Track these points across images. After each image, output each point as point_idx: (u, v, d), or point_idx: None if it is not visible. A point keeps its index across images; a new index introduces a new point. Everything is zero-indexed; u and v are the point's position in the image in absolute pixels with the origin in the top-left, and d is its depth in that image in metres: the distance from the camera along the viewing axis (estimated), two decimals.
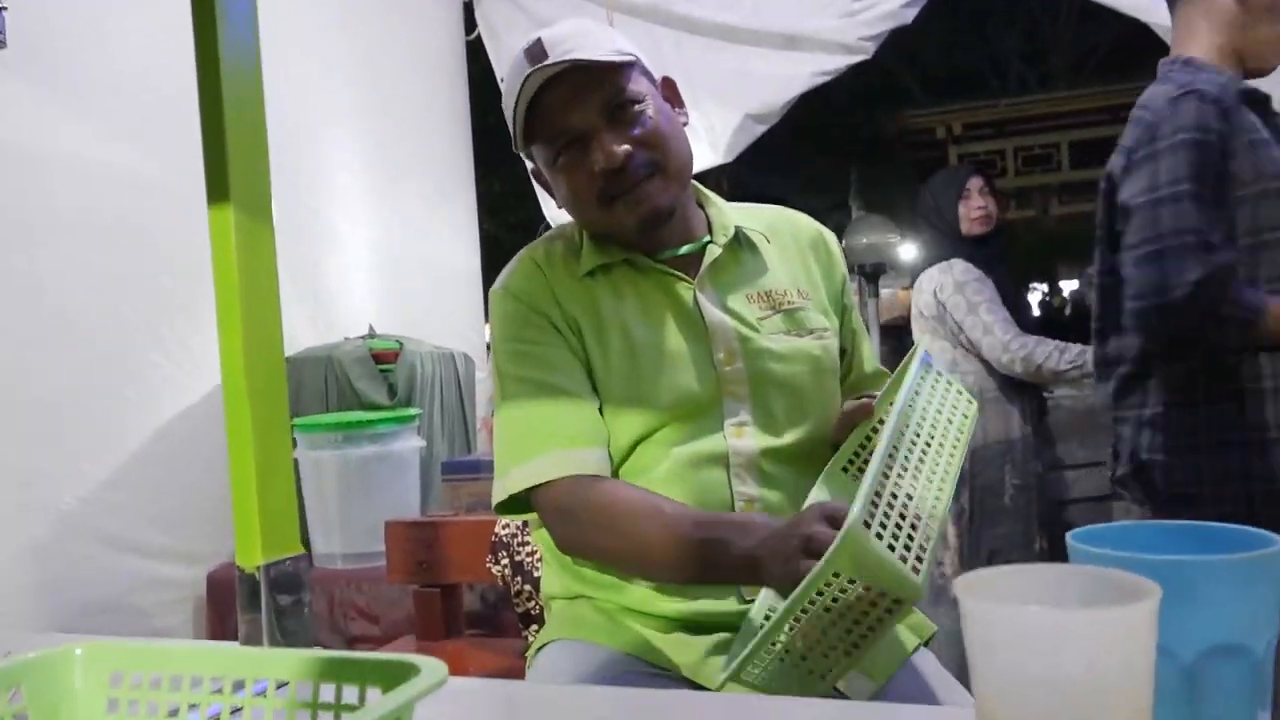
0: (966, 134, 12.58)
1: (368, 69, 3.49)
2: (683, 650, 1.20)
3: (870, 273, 5.13)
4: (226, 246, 0.78)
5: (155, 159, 2.59)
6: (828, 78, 3.22)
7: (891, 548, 0.90)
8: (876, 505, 0.92)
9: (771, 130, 3.42)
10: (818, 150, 12.63)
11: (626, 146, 1.23)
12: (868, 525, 0.88)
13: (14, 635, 1.02)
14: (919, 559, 0.92)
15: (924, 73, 13.92)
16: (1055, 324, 15.11)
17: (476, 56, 3.86)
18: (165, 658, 0.61)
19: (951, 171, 3.20)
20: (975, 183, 3.13)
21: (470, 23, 3.80)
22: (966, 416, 1.15)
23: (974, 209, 3.10)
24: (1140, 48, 2.80)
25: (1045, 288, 17.56)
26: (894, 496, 0.95)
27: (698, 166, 3.69)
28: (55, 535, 2.43)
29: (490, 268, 4.15)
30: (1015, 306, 3.08)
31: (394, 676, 0.52)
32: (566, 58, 1.21)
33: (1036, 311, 16.21)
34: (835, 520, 0.99)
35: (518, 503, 1.26)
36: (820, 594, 0.90)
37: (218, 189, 0.80)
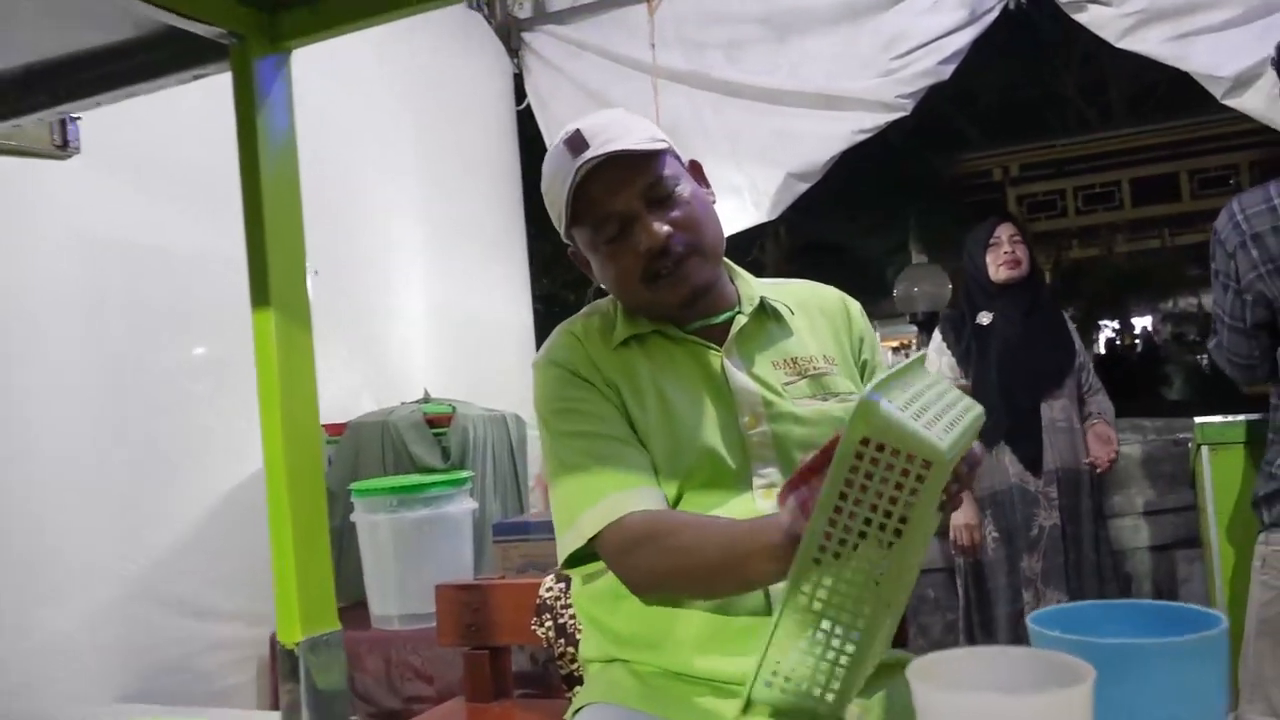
0: (1024, 174, 12.48)
1: (423, 144, 3.64)
2: (712, 711, 1.24)
3: (923, 321, 5.14)
4: (268, 348, 0.86)
5: (222, 240, 2.70)
6: (867, 135, 3.28)
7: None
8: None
9: (828, 176, 3.46)
10: (876, 195, 12.65)
11: (668, 228, 1.30)
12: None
13: (88, 710, 1.09)
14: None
15: (980, 113, 13.87)
16: (1123, 361, 14.73)
17: (527, 124, 4.00)
18: None
19: (985, 222, 3.25)
20: (1005, 230, 3.16)
21: (520, 93, 3.94)
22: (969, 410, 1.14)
23: (1001, 255, 3.12)
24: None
25: (1116, 324, 17.28)
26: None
27: (743, 225, 3.73)
28: (119, 600, 2.50)
29: (543, 325, 4.24)
30: (1051, 346, 3.12)
31: None
32: (607, 147, 1.28)
33: (1102, 350, 15.85)
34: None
35: (578, 557, 1.30)
36: (843, 496, 0.93)
37: (260, 294, 0.89)
